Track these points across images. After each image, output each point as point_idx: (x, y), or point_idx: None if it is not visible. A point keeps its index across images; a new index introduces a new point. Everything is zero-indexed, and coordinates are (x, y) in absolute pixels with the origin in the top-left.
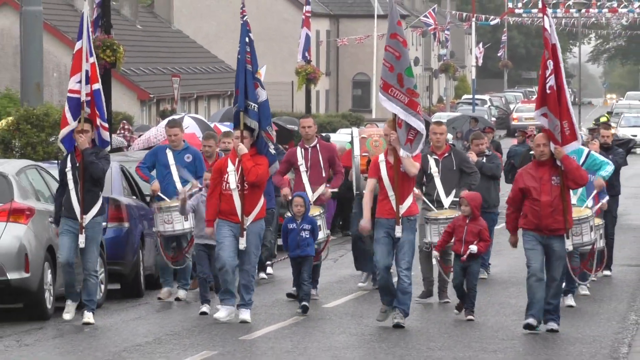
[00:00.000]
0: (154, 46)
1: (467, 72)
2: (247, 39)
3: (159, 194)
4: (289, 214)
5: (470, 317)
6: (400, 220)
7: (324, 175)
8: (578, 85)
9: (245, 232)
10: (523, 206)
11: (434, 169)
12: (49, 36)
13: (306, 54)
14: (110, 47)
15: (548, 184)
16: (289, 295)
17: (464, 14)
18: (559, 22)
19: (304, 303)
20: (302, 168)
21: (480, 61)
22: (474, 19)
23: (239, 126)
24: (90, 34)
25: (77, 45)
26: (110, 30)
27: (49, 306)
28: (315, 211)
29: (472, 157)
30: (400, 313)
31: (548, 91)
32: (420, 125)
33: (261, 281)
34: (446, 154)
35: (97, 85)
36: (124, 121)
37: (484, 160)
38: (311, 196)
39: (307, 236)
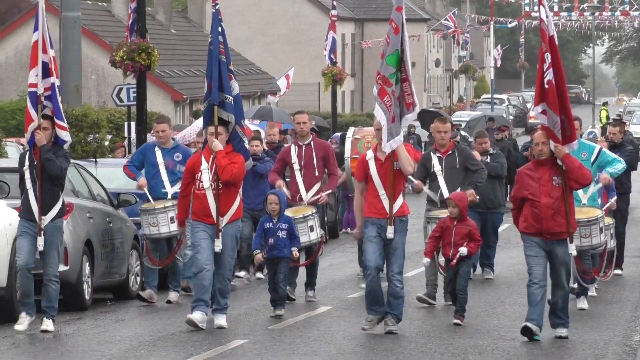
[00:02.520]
0: (187, 49)
1: (486, 72)
2: (219, 29)
3: (145, 190)
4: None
5: (457, 320)
6: (392, 220)
7: (317, 174)
8: (592, 85)
9: (220, 234)
10: (524, 208)
11: (437, 167)
12: (87, 40)
13: (332, 56)
14: (146, 50)
15: (548, 184)
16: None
17: (483, 17)
18: (573, 24)
19: (278, 312)
20: (296, 167)
21: (499, 62)
22: (492, 22)
23: (212, 121)
24: (47, 26)
25: (34, 37)
26: (145, 34)
27: (87, 297)
28: (307, 210)
29: (476, 156)
30: (392, 319)
31: (546, 86)
32: (382, 116)
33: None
34: (450, 152)
35: (54, 80)
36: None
37: (488, 159)
38: (305, 196)
39: (284, 236)
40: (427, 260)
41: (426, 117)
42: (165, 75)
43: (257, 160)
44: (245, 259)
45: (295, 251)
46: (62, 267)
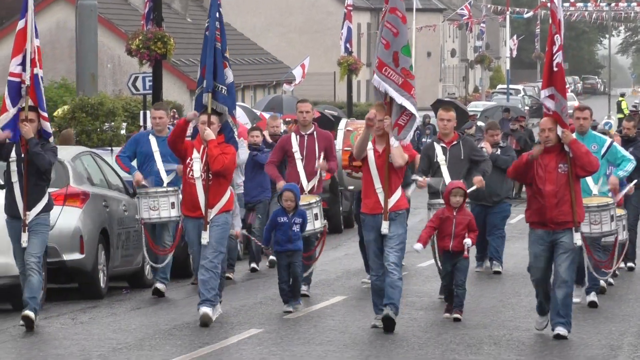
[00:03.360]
0: (203, 38)
1: (501, 63)
2: (217, 14)
3: (144, 183)
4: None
5: (457, 315)
6: (387, 215)
7: (317, 165)
8: (608, 76)
9: (208, 226)
10: (528, 194)
11: (440, 157)
12: (103, 29)
13: (348, 46)
14: (161, 39)
15: (554, 172)
16: (287, 312)
17: (499, 8)
18: (590, 15)
19: (296, 306)
20: (297, 156)
21: (515, 52)
22: (508, 12)
23: (204, 110)
24: (33, 15)
25: (20, 25)
26: (161, 23)
27: (102, 286)
28: (311, 199)
29: (487, 147)
30: (390, 308)
31: (555, 69)
32: (414, 109)
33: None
34: (454, 142)
35: (37, 71)
36: (174, 110)
37: (498, 152)
38: (306, 186)
39: (298, 230)
40: (419, 246)
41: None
42: (180, 64)
43: (257, 150)
44: (258, 253)
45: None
46: (77, 256)
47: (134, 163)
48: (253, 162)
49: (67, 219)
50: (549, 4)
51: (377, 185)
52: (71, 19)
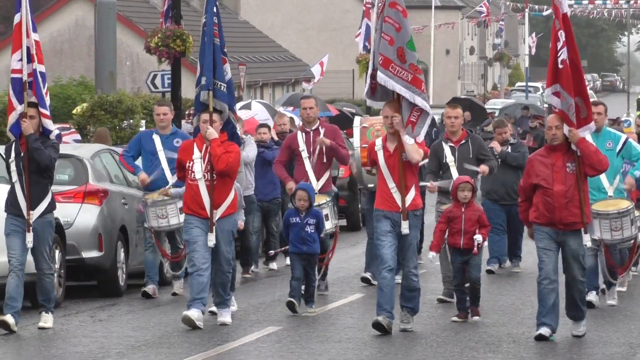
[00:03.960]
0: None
1: (520, 60)
2: (214, 9)
3: (149, 181)
4: (290, 206)
5: (476, 317)
6: (406, 214)
7: (326, 161)
8: (627, 73)
9: (214, 228)
10: (534, 196)
11: (449, 158)
12: (121, 27)
13: (366, 44)
14: (180, 37)
15: (562, 171)
16: (289, 303)
17: (518, 5)
18: (609, 12)
19: (309, 310)
20: (304, 154)
21: (534, 50)
22: (527, 10)
23: (205, 108)
24: (29, 8)
25: (16, 19)
26: (180, 20)
27: (121, 283)
28: (321, 199)
29: (496, 146)
30: (408, 314)
31: (560, 66)
32: (426, 105)
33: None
34: (463, 141)
35: (40, 67)
36: (192, 108)
37: (509, 149)
38: (315, 185)
39: (312, 231)
40: (432, 254)
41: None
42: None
43: (265, 148)
44: (255, 251)
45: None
46: (96, 253)
47: (139, 162)
48: (262, 160)
49: (86, 216)
50: (553, 0)
51: (391, 184)
52: (90, 16)
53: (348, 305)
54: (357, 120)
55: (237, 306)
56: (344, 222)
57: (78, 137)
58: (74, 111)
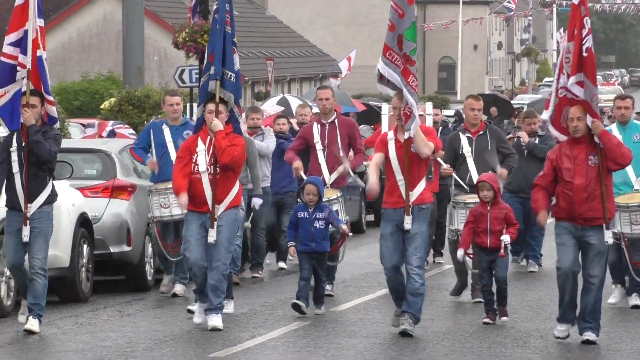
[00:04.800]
0: (249, 31)
1: (548, 55)
2: None
3: (152, 186)
4: (299, 201)
5: (505, 318)
6: (410, 209)
7: (341, 154)
8: None
9: (215, 223)
10: (557, 188)
11: (466, 149)
12: (149, 22)
13: None
14: (208, 32)
15: (584, 164)
16: (295, 305)
17: (546, 0)
18: (637, 7)
19: (317, 312)
20: (318, 147)
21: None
22: (555, 5)
23: (211, 98)
24: None
25: (18, 1)
26: (208, 16)
27: (149, 278)
28: (331, 194)
29: (524, 136)
30: (409, 319)
31: (585, 54)
32: (410, 100)
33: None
34: (481, 132)
35: (41, 53)
36: None
37: (537, 140)
38: (328, 178)
39: (322, 227)
40: (461, 252)
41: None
42: None
43: (284, 139)
44: (266, 249)
45: (343, 226)
46: (124, 248)
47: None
48: (280, 151)
49: (114, 211)
50: None
51: (399, 177)
52: (118, 12)
53: (376, 300)
54: (385, 107)
55: (233, 309)
56: (371, 217)
57: (132, 131)
58: (102, 106)
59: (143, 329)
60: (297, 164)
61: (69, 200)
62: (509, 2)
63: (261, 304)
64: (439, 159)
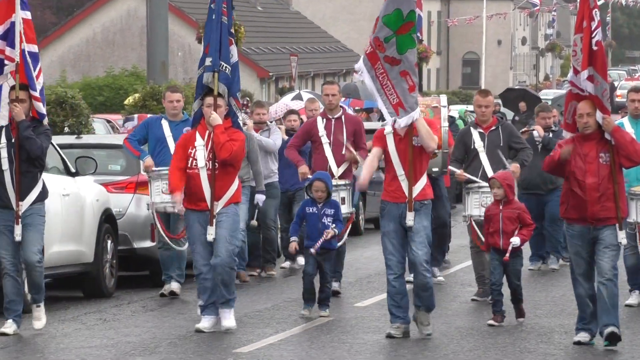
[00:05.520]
0: (274, 27)
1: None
2: None
3: (154, 169)
4: (306, 196)
5: (521, 319)
6: (412, 205)
7: (344, 152)
8: None
9: (214, 221)
10: (562, 190)
11: (478, 144)
12: (173, 17)
13: (418, 34)
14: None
15: (595, 162)
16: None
17: None
18: None
19: (322, 313)
20: (324, 140)
21: None
22: (578, 0)
23: (208, 91)
24: None
25: None
26: (232, 12)
27: None
28: (339, 181)
29: (539, 130)
30: (425, 313)
31: (595, 47)
32: (371, 86)
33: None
34: (493, 128)
35: (30, 47)
36: (247, 98)
37: (551, 135)
38: (336, 171)
39: (330, 223)
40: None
41: (509, 96)
42: (251, 52)
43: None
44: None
45: (333, 229)
46: (148, 244)
47: (145, 148)
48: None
49: (138, 207)
50: None
51: (400, 172)
52: (142, 7)
53: None
54: (444, 99)
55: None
56: (370, 226)
57: None
58: (126, 101)
59: (167, 324)
60: (304, 169)
61: (93, 196)
62: None
63: (284, 300)
64: (451, 167)
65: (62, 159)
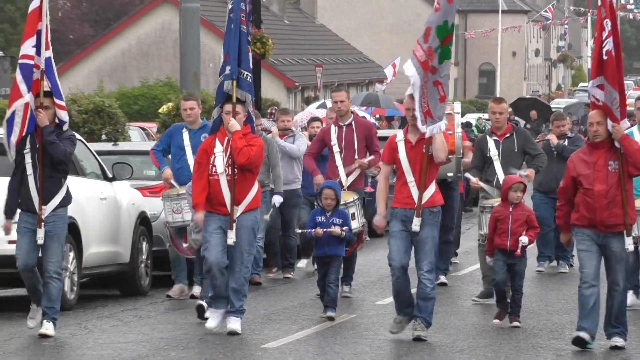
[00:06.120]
0: (300, 39)
1: (583, 62)
2: None
3: (172, 182)
4: (317, 205)
5: (516, 322)
6: (420, 211)
7: (357, 157)
8: None
9: (234, 225)
10: (577, 196)
11: (493, 152)
12: (205, 30)
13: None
14: (260, 40)
15: (604, 170)
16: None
17: (581, 9)
18: None
19: (329, 314)
20: (335, 149)
21: None
22: (589, 14)
23: (228, 99)
24: None
25: (34, 5)
26: (260, 24)
27: None
28: (348, 197)
29: (553, 139)
30: (421, 323)
31: (605, 57)
32: (418, 95)
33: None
34: (507, 135)
35: (48, 53)
36: (275, 107)
37: (566, 142)
38: (345, 181)
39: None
40: (489, 260)
41: (520, 105)
42: (278, 63)
43: None
44: (307, 246)
45: (342, 230)
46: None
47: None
48: None
49: None
50: None
51: (410, 178)
52: (175, 20)
53: None
54: (457, 106)
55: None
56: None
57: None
58: (160, 110)
59: (198, 321)
60: (319, 179)
61: (129, 199)
62: (546, 11)
63: (310, 298)
64: (467, 174)
65: (100, 164)
